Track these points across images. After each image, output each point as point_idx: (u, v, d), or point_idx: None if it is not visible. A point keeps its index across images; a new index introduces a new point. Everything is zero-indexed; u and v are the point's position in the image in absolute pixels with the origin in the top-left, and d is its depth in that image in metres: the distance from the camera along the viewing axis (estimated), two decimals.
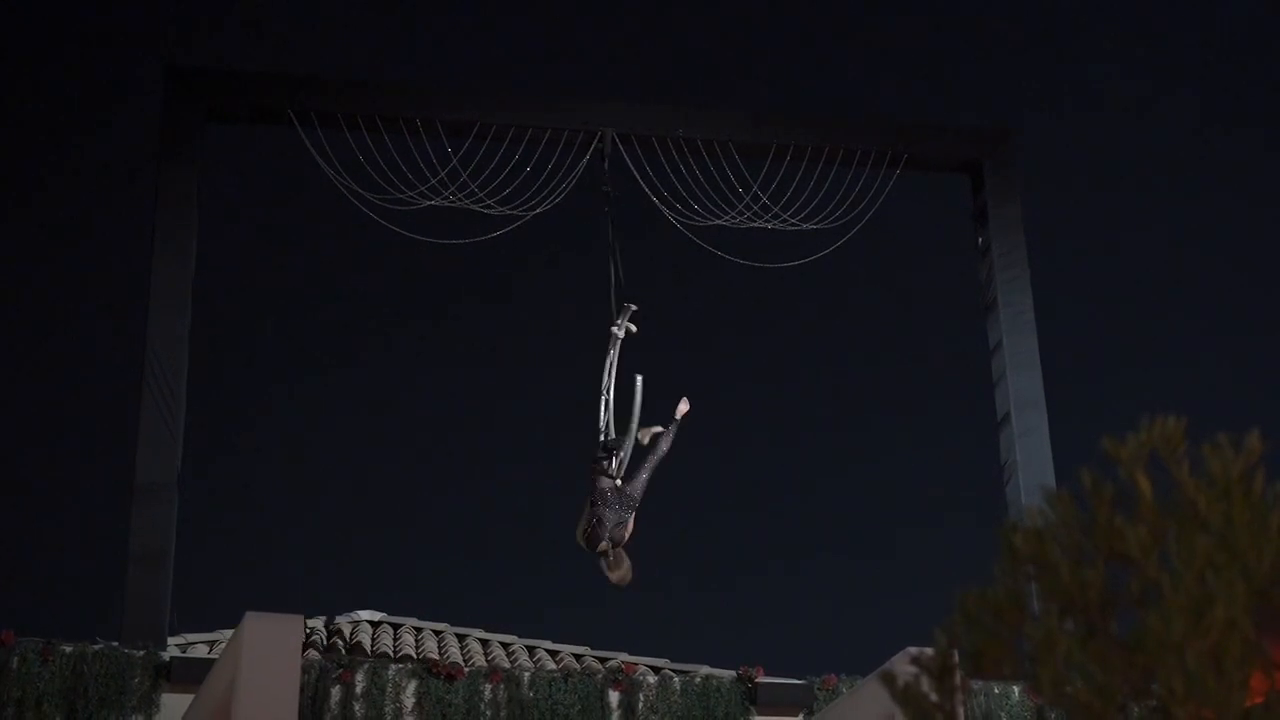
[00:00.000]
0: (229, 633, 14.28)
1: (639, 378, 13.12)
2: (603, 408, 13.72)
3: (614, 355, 14.22)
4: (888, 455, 28.04)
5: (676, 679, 14.35)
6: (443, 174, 15.65)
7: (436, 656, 14.62)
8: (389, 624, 16.42)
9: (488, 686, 13.81)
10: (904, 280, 28.00)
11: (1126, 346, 27.81)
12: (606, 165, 15.87)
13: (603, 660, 15.22)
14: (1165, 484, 2.99)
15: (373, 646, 15.24)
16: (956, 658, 3.17)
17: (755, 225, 16.17)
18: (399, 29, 28.96)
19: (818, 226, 16.30)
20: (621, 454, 12.88)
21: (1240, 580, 2.77)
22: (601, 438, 13.19)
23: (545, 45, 29.11)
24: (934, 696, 3.12)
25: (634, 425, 12.94)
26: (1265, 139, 28.25)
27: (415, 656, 14.78)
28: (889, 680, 3.20)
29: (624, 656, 15.10)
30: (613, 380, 13.77)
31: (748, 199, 16.15)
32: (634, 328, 14.20)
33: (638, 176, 15.99)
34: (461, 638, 16.16)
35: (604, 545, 12.42)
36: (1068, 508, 3.04)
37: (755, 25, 29.15)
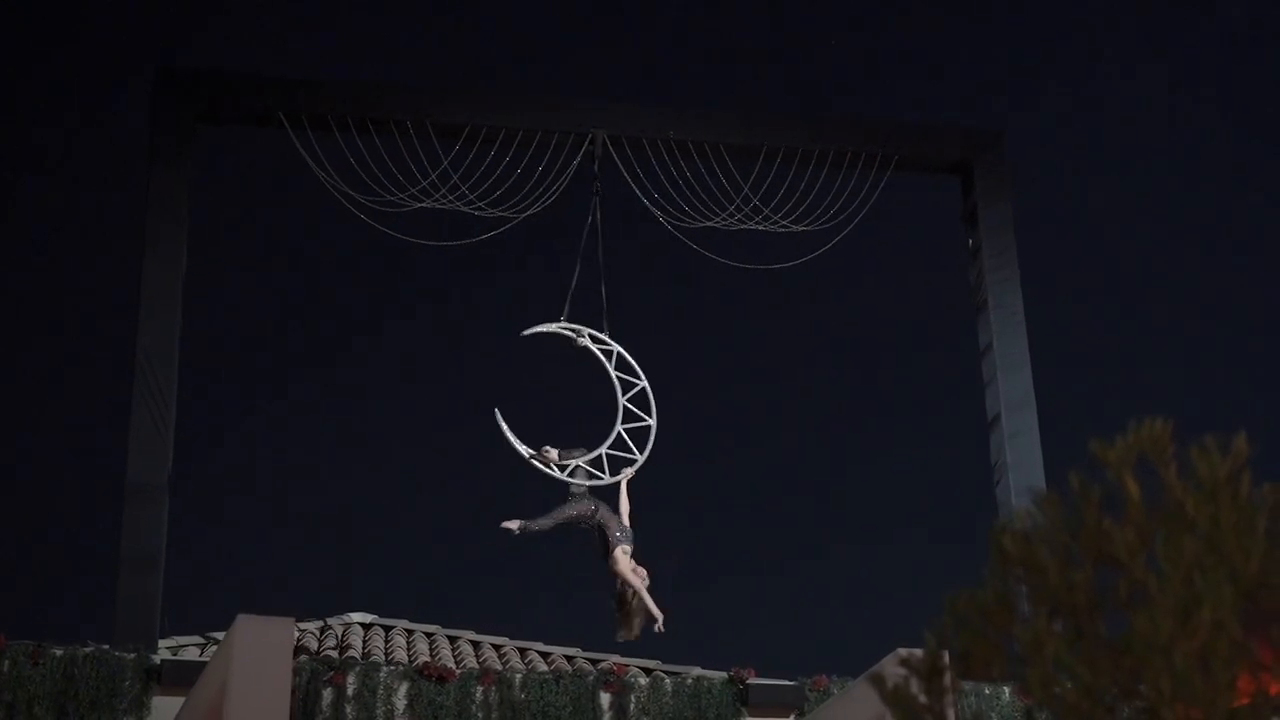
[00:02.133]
0: (220, 635, 14.27)
1: (496, 411, 13.76)
2: (624, 406, 14.27)
3: (613, 358, 14.50)
4: (879, 456, 28.06)
5: (668, 680, 14.36)
6: (433, 176, 15.65)
7: (428, 658, 14.62)
8: (380, 626, 16.41)
9: (479, 688, 13.81)
10: (895, 281, 28.02)
11: (1118, 348, 27.85)
12: (597, 167, 15.89)
13: (594, 661, 15.22)
14: (1153, 486, 3.00)
15: (364, 649, 15.23)
16: (946, 659, 3.18)
17: (746, 227, 16.18)
18: (390, 31, 28.94)
19: (809, 228, 16.30)
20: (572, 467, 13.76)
21: (1227, 582, 2.79)
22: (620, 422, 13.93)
23: (536, 47, 29.11)
24: (923, 698, 3.13)
25: (520, 450, 13.64)
26: (1258, 139, 28.30)
27: (407, 658, 14.77)
28: (879, 682, 3.21)
29: (615, 658, 15.09)
30: (637, 374, 14.39)
31: (739, 200, 16.16)
32: (593, 337, 14.54)
33: (628, 178, 16.00)
34: (453, 639, 16.15)
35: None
36: (1056, 510, 3.05)
37: (746, 28, 29.16)
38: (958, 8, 29.13)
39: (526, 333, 14.69)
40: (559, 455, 14.06)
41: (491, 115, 16.13)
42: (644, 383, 14.55)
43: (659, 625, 13.67)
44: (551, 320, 14.82)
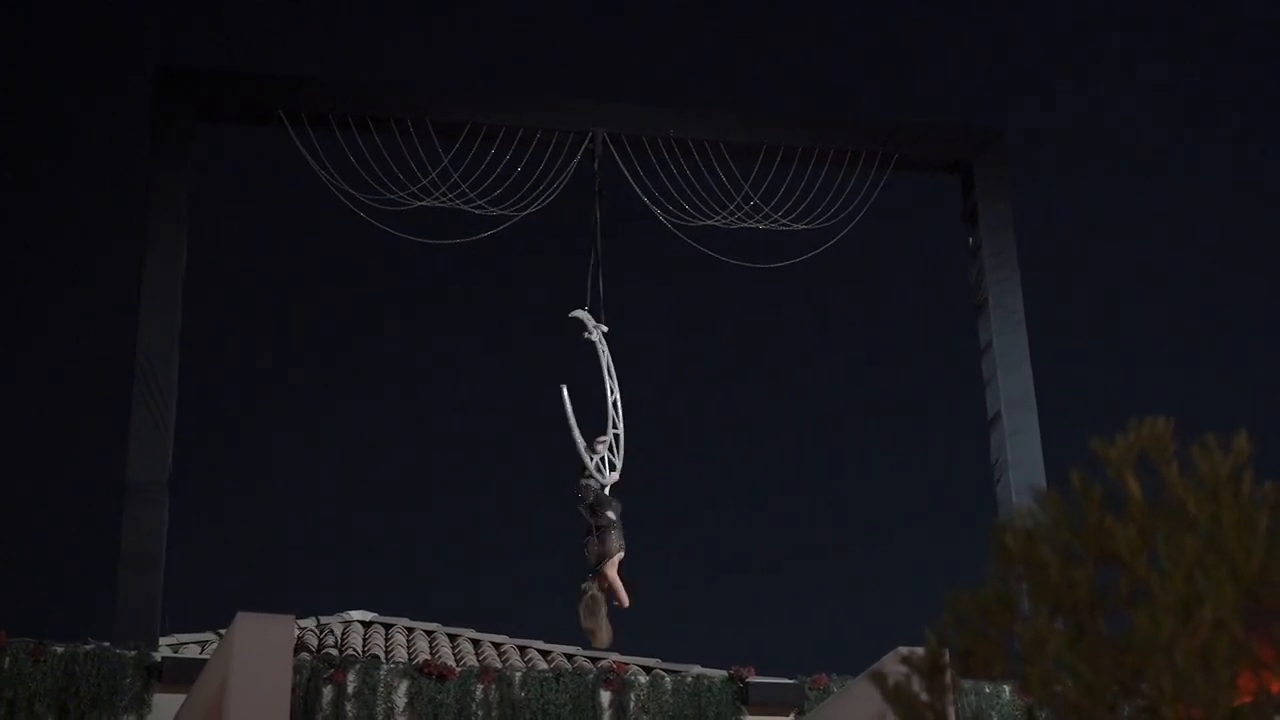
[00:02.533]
0: (220, 633, 14.28)
1: (564, 388, 13.60)
2: (610, 408, 14.17)
3: (605, 358, 14.48)
4: (879, 455, 28.07)
5: (668, 678, 14.36)
6: (434, 174, 15.65)
7: (428, 656, 14.63)
8: (380, 624, 16.41)
9: (479, 686, 13.81)
10: (895, 280, 28.03)
11: (1117, 346, 27.86)
12: (597, 166, 15.89)
13: (594, 660, 15.22)
14: (1154, 484, 3.00)
15: (364, 647, 15.24)
16: (947, 657, 3.18)
17: (746, 225, 16.19)
18: (390, 30, 28.95)
19: (809, 226, 16.31)
20: (595, 461, 13.56)
21: (1228, 580, 2.79)
22: (611, 429, 13.89)
23: (537, 46, 29.12)
24: (924, 696, 3.13)
25: (576, 435, 13.50)
26: (1258, 138, 28.30)
27: (407, 656, 14.77)
28: (880, 680, 3.22)
29: (615, 656, 15.09)
30: (615, 381, 14.28)
31: (739, 199, 16.16)
32: (605, 327, 14.49)
33: (629, 177, 16.00)
34: (453, 638, 16.16)
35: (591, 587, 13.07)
36: (1057, 508, 3.05)
37: (746, 27, 29.16)
38: (959, 7, 29.15)
39: (571, 314, 14.68)
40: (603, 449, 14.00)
41: (491, 114, 16.14)
42: (615, 394, 14.49)
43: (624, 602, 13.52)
44: (592, 309, 14.78)
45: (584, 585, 13.44)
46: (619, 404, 14.50)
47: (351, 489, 28.22)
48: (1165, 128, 28.83)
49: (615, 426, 14.37)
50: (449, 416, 28.27)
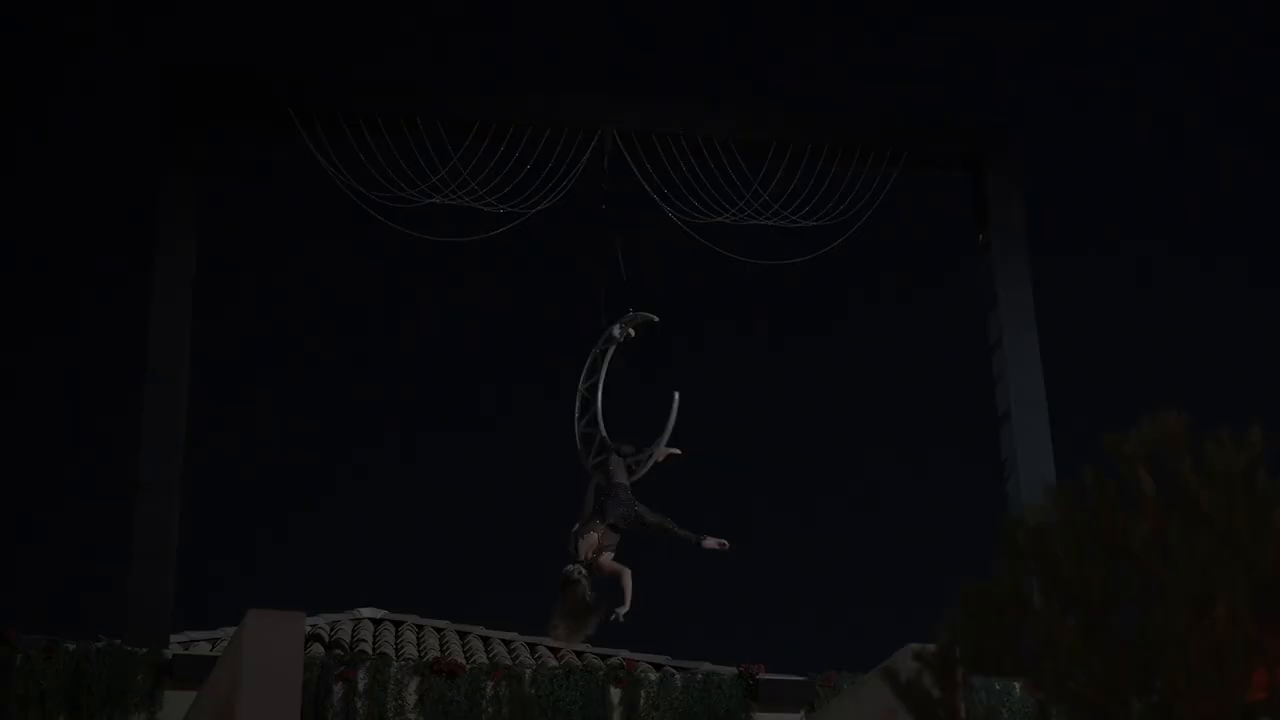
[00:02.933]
0: (231, 630, 14.29)
1: (676, 395, 13.47)
2: (579, 404, 14.01)
3: (607, 353, 14.35)
4: (888, 451, 28.04)
5: (678, 676, 14.36)
6: (443, 172, 15.65)
7: (438, 654, 14.64)
8: (390, 621, 16.42)
9: (489, 683, 13.82)
10: (904, 277, 27.99)
11: (1127, 344, 27.82)
12: (607, 163, 15.87)
13: (604, 657, 15.22)
14: (1167, 480, 3.00)
15: (374, 644, 15.25)
16: (958, 653, 3.18)
17: (756, 222, 16.17)
18: (400, 27, 28.96)
19: (818, 223, 16.29)
20: (637, 464, 13.38)
21: (1242, 575, 2.78)
22: (578, 429, 13.75)
23: (547, 43, 29.12)
24: (936, 692, 3.13)
25: (663, 439, 13.36)
26: (1264, 137, 28.26)
27: (417, 654, 14.78)
28: (891, 676, 3.22)
29: (625, 653, 15.10)
30: (600, 379, 14.13)
31: (748, 196, 16.15)
32: (633, 333, 14.41)
33: (638, 174, 15.98)
34: (463, 635, 16.16)
35: (577, 572, 12.74)
36: (1069, 504, 3.05)
37: (755, 23, 29.16)
38: (969, 4, 29.12)
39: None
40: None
41: (501, 110, 16.12)
42: (595, 400, 14.44)
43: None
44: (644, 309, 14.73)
45: (578, 600, 12.97)
46: (593, 410, 14.43)
47: (358, 486, 28.25)
48: (1168, 127, 28.80)
49: (598, 424, 14.32)
50: (454, 416, 28.30)
